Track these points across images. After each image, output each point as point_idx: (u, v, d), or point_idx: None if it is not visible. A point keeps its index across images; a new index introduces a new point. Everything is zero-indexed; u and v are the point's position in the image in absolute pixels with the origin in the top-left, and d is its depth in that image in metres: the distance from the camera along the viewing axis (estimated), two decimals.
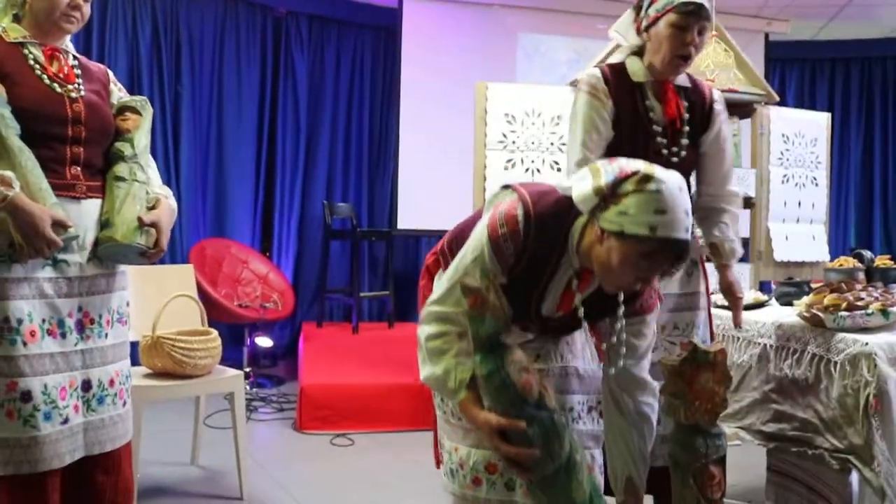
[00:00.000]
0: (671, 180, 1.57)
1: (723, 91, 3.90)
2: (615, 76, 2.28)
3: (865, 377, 2.11)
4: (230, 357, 4.61)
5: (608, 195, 1.58)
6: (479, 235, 1.72)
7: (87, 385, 2.07)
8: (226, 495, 3.02)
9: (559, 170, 3.78)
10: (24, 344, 1.91)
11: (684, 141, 2.27)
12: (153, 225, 2.13)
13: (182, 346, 2.86)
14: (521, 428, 1.57)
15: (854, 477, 2.21)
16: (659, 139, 2.25)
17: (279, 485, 3.17)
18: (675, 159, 2.24)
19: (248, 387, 4.79)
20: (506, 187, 1.79)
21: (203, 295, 4.75)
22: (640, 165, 1.60)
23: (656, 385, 1.88)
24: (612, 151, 2.17)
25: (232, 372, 3.01)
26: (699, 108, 2.32)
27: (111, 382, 2.15)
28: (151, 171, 2.25)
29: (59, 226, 1.93)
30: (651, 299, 1.82)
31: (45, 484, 1.97)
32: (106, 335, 2.13)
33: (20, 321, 1.91)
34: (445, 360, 1.71)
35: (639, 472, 1.89)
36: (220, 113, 5.70)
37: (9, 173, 1.86)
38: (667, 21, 2.18)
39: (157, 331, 2.85)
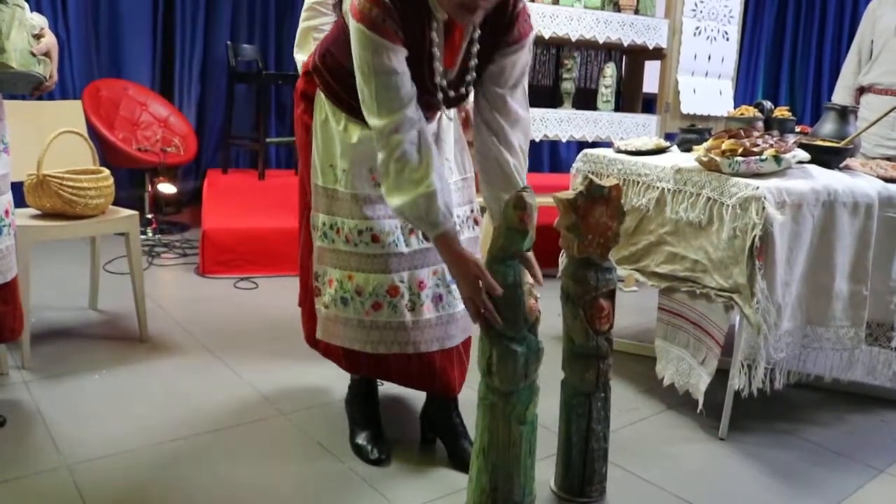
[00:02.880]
0: None
1: None
2: None
3: (754, 219, 2.18)
4: (131, 204, 4.46)
5: None
6: (357, 35, 1.66)
7: None
8: (127, 337, 2.99)
9: None
10: None
11: None
12: (46, 54, 2.04)
13: (71, 184, 2.72)
14: (498, 291, 1.65)
15: (736, 314, 2.32)
16: None
17: (181, 327, 3.15)
18: None
19: (150, 233, 4.67)
20: None
21: (99, 138, 4.53)
22: None
23: (528, 120, 1.92)
24: None
25: (126, 212, 2.90)
26: None
27: (6, 213, 2.10)
28: None
29: None
30: (526, 24, 1.84)
31: None
32: None
33: None
34: (424, 184, 1.67)
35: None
36: None
37: None
38: None
39: (44, 170, 2.70)
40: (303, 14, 2.64)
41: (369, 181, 1.94)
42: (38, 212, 2.79)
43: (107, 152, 4.57)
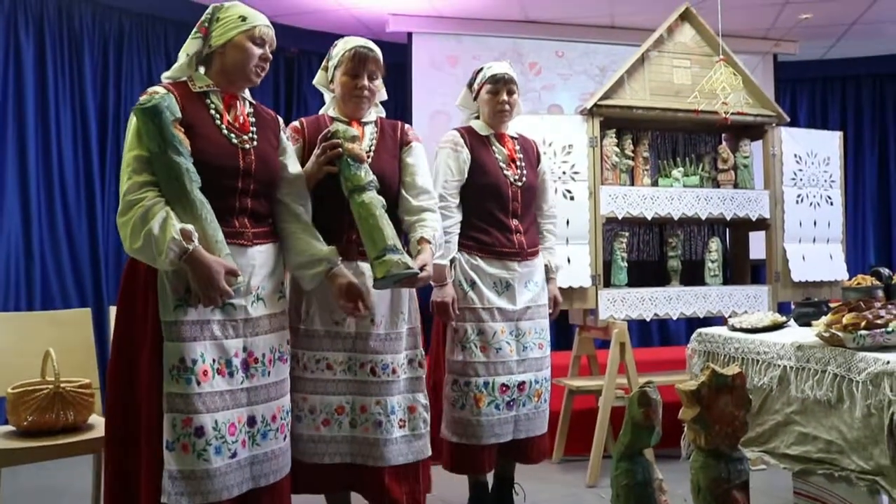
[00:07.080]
0: None
1: (733, 114, 3.95)
2: (468, 133, 3.02)
3: (889, 396, 2.09)
4: None
5: None
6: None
7: (251, 421, 2.17)
8: None
9: (572, 198, 3.79)
10: (198, 383, 2.03)
11: (523, 171, 3.01)
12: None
13: None
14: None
15: (883, 497, 2.18)
16: (506, 169, 2.98)
17: None
18: (520, 182, 2.98)
19: None
20: None
21: None
22: None
23: None
24: (474, 179, 2.93)
25: None
26: (530, 151, 3.12)
27: (273, 418, 2.24)
28: None
29: (231, 275, 2.05)
30: None
31: None
32: (268, 373, 2.24)
33: (194, 361, 2.03)
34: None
35: None
36: None
37: (189, 227, 1.99)
38: (485, 90, 3.00)
39: None
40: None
41: None
42: None
43: None
